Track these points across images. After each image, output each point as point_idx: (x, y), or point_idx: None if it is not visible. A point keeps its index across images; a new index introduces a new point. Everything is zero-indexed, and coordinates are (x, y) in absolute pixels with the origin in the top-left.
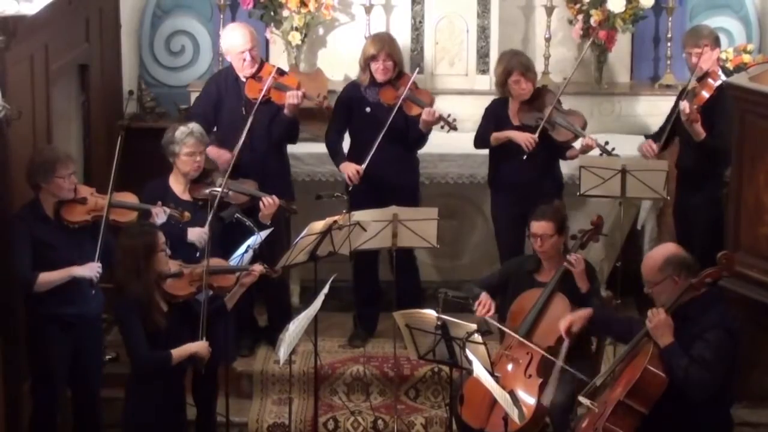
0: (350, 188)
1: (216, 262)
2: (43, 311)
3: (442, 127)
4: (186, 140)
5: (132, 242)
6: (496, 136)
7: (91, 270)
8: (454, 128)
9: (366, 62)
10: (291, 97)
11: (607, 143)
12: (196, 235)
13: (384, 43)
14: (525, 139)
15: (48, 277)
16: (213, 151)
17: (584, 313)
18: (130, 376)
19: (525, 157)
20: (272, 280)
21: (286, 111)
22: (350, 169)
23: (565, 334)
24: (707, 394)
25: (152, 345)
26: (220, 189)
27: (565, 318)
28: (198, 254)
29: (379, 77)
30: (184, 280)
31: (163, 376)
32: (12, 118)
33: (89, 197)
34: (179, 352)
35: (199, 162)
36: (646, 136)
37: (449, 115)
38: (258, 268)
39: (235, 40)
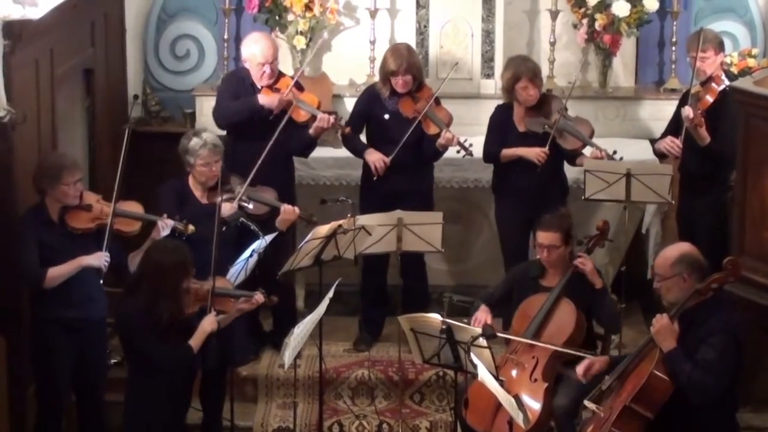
0: (362, 191)
1: (221, 283)
2: (47, 315)
3: (458, 152)
4: (200, 152)
5: (172, 260)
6: (506, 155)
7: (99, 259)
8: (470, 154)
9: (386, 76)
10: (322, 121)
11: (615, 152)
12: (228, 210)
13: (403, 58)
14: (536, 155)
15: (57, 271)
16: (267, 98)
17: (603, 358)
18: (129, 377)
19: (538, 170)
20: (278, 284)
21: (311, 132)
22: (377, 158)
23: (583, 376)
24: (709, 399)
25: None
26: (245, 201)
27: (583, 362)
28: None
29: (400, 90)
30: (190, 297)
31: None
32: (17, 122)
33: (95, 204)
34: (196, 339)
35: (214, 171)
36: (652, 141)
37: (466, 140)
38: (258, 298)
39: (257, 51)
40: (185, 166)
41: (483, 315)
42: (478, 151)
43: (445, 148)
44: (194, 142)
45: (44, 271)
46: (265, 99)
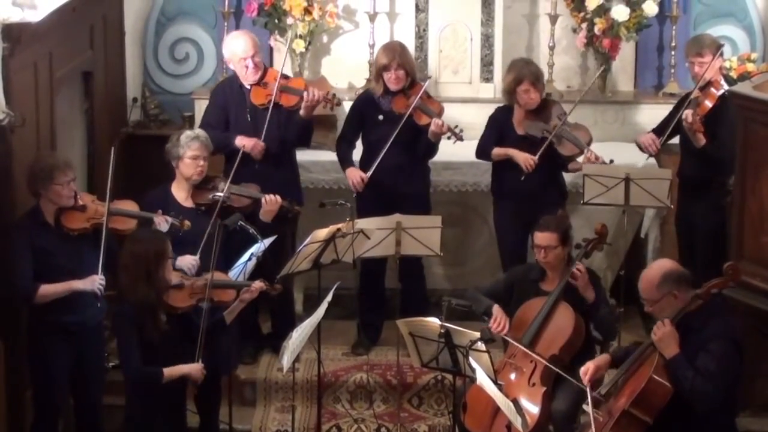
0: (358, 194)
1: (218, 275)
2: (44, 319)
3: (449, 138)
4: (191, 144)
5: (142, 248)
6: (497, 153)
7: (93, 283)
8: (461, 139)
9: (378, 72)
10: (308, 99)
11: (612, 162)
12: (187, 263)
13: (395, 52)
14: (524, 160)
15: (48, 290)
16: (244, 140)
17: (605, 359)
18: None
19: (523, 178)
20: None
21: (302, 113)
22: (355, 176)
23: (588, 382)
24: (712, 405)
25: (150, 357)
26: (222, 194)
27: (586, 365)
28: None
29: (392, 86)
30: (185, 291)
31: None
32: (16, 125)
33: (90, 205)
34: (171, 371)
35: (202, 167)
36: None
37: (456, 126)
38: (258, 285)
39: (236, 48)
40: (171, 161)
41: (502, 316)
42: (473, 153)
43: (438, 137)
44: (186, 135)
45: (36, 287)
46: (240, 142)
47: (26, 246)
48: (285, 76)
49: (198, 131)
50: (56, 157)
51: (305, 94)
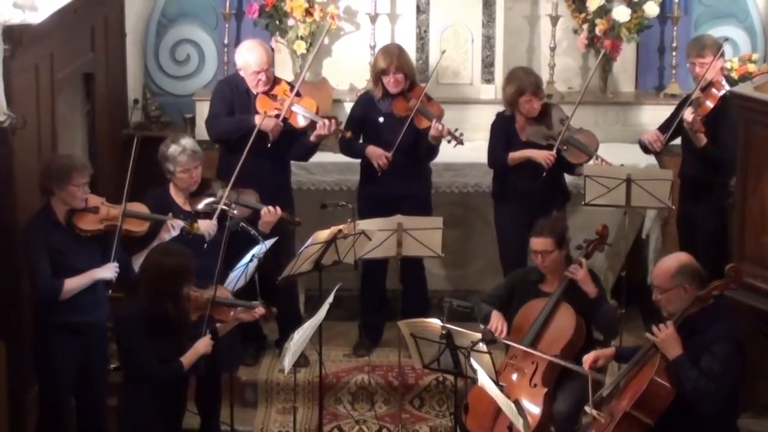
0: (360, 195)
1: (220, 292)
2: (51, 318)
3: (449, 141)
4: (179, 159)
5: (175, 263)
6: (514, 157)
7: (111, 270)
8: (461, 143)
9: (377, 76)
10: (322, 128)
11: (622, 166)
12: (206, 226)
13: (393, 56)
14: (545, 157)
15: (72, 284)
16: (263, 118)
17: (609, 351)
18: (122, 380)
19: (544, 174)
20: (281, 289)
21: (312, 139)
22: (378, 153)
23: (588, 369)
24: (715, 406)
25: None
26: (220, 204)
27: (589, 354)
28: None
29: (392, 89)
30: (189, 305)
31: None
32: (17, 127)
33: (101, 206)
34: (189, 357)
35: (195, 177)
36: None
37: (456, 129)
38: (259, 311)
39: (250, 59)
40: (165, 173)
41: (500, 322)
42: (475, 154)
43: (438, 140)
44: (173, 149)
45: (61, 282)
46: (260, 120)
47: (42, 245)
48: (298, 94)
49: (184, 143)
50: (73, 158)
51: (318, 125)
